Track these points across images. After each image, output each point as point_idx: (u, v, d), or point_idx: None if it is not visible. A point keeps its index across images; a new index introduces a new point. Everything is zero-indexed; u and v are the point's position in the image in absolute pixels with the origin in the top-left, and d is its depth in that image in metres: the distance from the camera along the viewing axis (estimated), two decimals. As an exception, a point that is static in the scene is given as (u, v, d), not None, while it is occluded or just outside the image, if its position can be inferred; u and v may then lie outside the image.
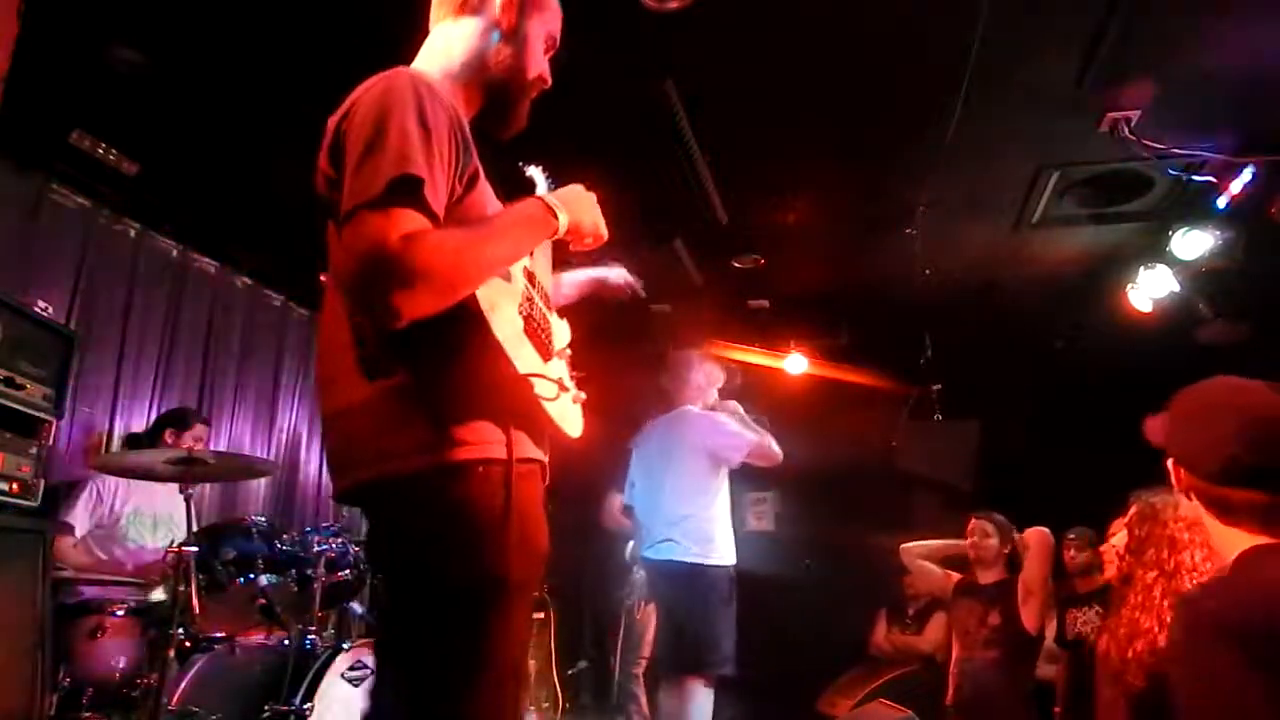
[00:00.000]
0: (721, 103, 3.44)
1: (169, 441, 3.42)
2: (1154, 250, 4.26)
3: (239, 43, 3.09)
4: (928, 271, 4.69)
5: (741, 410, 3.80)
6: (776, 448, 3.65)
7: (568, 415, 1.43)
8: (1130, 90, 3.27)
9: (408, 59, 1.59)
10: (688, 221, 4.42)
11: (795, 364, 5.86)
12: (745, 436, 3.64)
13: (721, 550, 3.51)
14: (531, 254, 1.49)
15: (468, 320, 1.25)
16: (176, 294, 4.27)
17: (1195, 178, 3.73)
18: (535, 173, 1.57)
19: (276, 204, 4.08)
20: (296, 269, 4.60)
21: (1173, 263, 4.16)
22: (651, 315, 5.57)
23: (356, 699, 2.91)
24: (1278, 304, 4.06)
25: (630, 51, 3.12)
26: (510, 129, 1.55)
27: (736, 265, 5.04)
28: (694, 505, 3.54)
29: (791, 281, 5.31)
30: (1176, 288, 4.23)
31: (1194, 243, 3.96)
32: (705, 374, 3.88)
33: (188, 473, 2.79)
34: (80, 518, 3.30)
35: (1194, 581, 2.08)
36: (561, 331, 1.57)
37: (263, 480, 4.62)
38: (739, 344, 6.00)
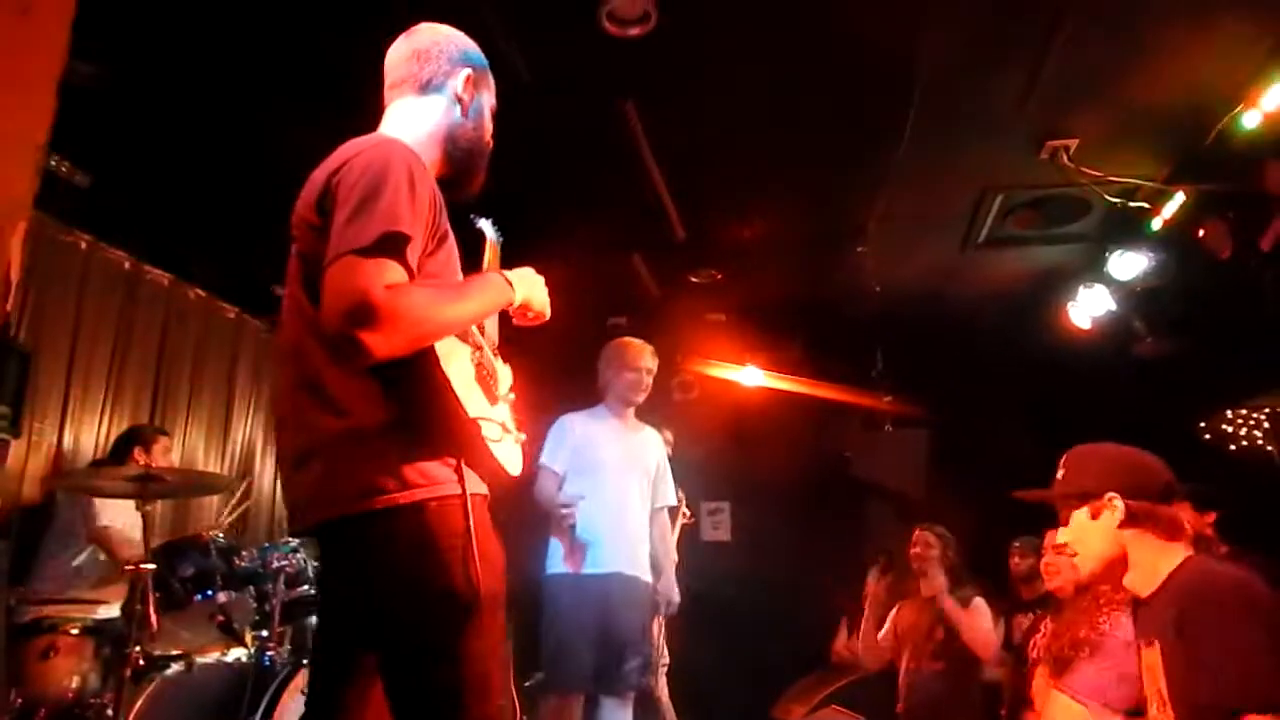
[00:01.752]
0: (680, 124, 3.53)
1: (139, 460, 3.29)
2: (1093, 270, 4.45)
3: (192, 54, 3.07)
4: (878, 288, 4.83)
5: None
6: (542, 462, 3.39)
7: (510, 455, 1.57)
8: (1069, 119, 3.44)
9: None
10: (646, 237, 4.52)
11: (750, 376, 5.97)
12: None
13: (547, 560, 3.39)
14: None
15: (425, 367, 1.38)
16: (129, 306, 4.19)
17: (1130, 203, 3.92)
18: (485, 225, 1.73)
19: (230, 216, 4.05)
20: (251, 281, 4.56)
21: (1110, 282, 4.35)
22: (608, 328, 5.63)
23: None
24: (1207, 322, 4.26)
25: (592, 74, 3.20)
26: (472, 189, 1.71)
27: (694, 280, 5.13)
28: None
29: (747, 296, 5.42)
30: (1113, 306, 4.42)
31: (1129, 263, 4.16)
32: (604, 363, 3.56)
33: (146, 489, 2.76)
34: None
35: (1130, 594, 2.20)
36: (506, 376, 1.72)
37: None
38: (696, 356, 6.09)
